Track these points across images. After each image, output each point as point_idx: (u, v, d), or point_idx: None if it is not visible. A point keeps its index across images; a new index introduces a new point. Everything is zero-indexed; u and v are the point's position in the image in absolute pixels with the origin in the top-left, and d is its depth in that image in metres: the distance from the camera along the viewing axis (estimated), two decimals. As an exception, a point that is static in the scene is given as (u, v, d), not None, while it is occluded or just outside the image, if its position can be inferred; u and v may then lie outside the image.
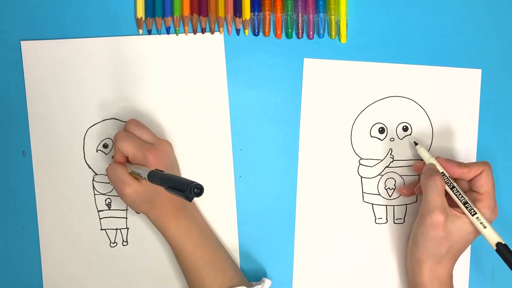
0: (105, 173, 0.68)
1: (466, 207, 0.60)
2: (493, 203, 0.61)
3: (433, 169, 0.62)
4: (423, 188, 0.62)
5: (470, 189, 0.63)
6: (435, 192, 0.60)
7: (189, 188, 0.49)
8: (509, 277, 0.70)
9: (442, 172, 0.62)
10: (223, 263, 0.65)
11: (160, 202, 0.62)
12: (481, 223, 0.59)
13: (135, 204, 0.62)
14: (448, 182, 0.61)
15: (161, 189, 0.61)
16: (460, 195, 0.61)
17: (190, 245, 0.63)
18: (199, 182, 0.49)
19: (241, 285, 0.63)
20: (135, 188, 0.60)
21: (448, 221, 0.60)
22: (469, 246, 0.69)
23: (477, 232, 0.61)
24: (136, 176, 0.60)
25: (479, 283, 0.70)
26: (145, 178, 0.57)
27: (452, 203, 0.61)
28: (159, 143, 0.63)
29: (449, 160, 0.63)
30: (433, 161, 0.63)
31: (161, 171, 0.55)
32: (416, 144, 0.66)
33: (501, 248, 0.59)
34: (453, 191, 0.61)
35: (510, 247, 0.59)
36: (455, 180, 0.63)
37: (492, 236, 0.59)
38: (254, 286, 0.65)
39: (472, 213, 0.60)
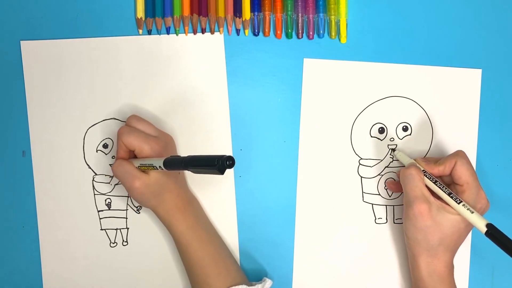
0: (105, 173, 0.68)
1: (451, 197, 0.60)
2: (475, 192, 0.61)
3: (409, 164, 0.63)
4: (401, 183, 0.63)
5: (453, 182, 0.63)
6: (412, 183, 0.61)
7: (221, 161, 0.50)
8: (509, 277, 0.70)
9: (424, 170, 0.62)
10: (227, 262, 0.65)
11: (169, 195, 0.62)
12: (468, 209, 0.58)
13: (145, 197, 0.61)
14: (430, 178, 0.61)
15: (169, 182, 0.61)
16: (444, 187, 0.61)
17: (197, 241, 0.63)
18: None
19: (242, 284, 0.63)
20: (145, 181, 0.60)
21: (433, 210, 0.60)
22: (469, 246, 0.69)
23: (468, 221, 0.59)
24: (145, 170, 0.60)
25: (479, 283, 0.70)
26: (159, 167, 0.57)
27: (440, 199, 0.61)
28: (163, 136, 0.64)
29: (428, 160, 0.64)
30: (412, 162, 0.64)
31: (178, 156, 0.56)
32: (393, 150, 0.67)
33: (490, 229, 0.57)
34: (436, 185, 0.61)
35: None
36: (439, 177, 0.63)
37: (480, 220, 0.58)
38: (255, 286, 0.65)
39: (457, 202, 0.59)
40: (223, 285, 0.63)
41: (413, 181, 0.61)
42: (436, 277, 0.61)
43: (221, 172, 0.50)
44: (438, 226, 0.60)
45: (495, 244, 0.57)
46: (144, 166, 0.60)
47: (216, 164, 0.50)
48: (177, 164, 0.55)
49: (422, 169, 0.62)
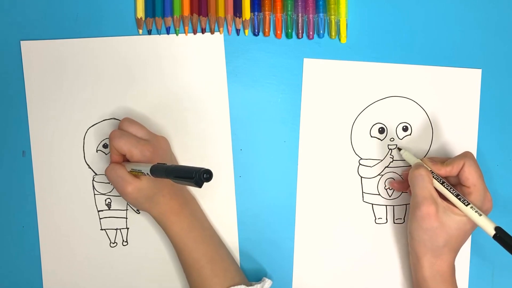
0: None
1: (459, 199, 0.60)
2: (482, 194, 0.61)
3: (418, 164, 0.63)
4: (410, 183, 0.62)
5: (459, 183, 0.62)
6: (421, 184, 0.61)
7: (198, 174, 0.49)
8: (509, 277, 0.70)
9: (431, 170, 0.62)
10: (224, 262, 0.65)
11: (162, 199, 0.62)
12: (476, 211, 0.58)
13: (138, 202, 0.62)
14: (437, 178, 0.61)
15: (163, 185, 0.61)
16: (451, 189, 0.60)
17: (192, 242, 0.63)
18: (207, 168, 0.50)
19: (241, 284, 0.63)
20: (137, 186, 0.60)
21: (440, 211, 0.60)
22: (469, 246, 0.69)
23: (473, 222, 0.60)
24: (136, 174, 0.60)
25: (479, 283, 0.70)
26: (147, 174, 0.57)
27: (446, 199, 0.61)
28: (155, 139, 0.63)
29: (434, 160, 0.64)
30: (419, 162, 0.64)
31: (163, 164, 0.55)
32: (400, 149, 0.67)
33: (499, 232, 0.57)
34: (444, 186, 0.61)
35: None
36: (445, 178, 0.63)
37: (488, 223, 0.58)
38: (254, 286, 0.65)
39: (465, 204, 0.59)
40: (221, 286, 0.63)
41: (423, 182, 0.61)
42: (439, 277, 0.61)
43: (199, 185, 0.50)
44: (444, 227, 0.60)
45: (503, 247, 0.57)
46: (135, 171, 0.60)
47: (194, 177, 0.50)
48: (161, 172, 0.55)
49: (429, 169, 0.62)
